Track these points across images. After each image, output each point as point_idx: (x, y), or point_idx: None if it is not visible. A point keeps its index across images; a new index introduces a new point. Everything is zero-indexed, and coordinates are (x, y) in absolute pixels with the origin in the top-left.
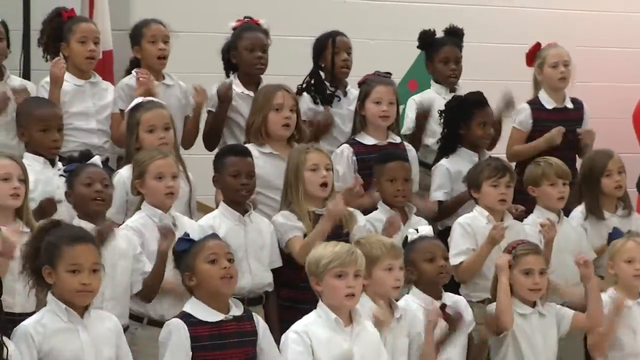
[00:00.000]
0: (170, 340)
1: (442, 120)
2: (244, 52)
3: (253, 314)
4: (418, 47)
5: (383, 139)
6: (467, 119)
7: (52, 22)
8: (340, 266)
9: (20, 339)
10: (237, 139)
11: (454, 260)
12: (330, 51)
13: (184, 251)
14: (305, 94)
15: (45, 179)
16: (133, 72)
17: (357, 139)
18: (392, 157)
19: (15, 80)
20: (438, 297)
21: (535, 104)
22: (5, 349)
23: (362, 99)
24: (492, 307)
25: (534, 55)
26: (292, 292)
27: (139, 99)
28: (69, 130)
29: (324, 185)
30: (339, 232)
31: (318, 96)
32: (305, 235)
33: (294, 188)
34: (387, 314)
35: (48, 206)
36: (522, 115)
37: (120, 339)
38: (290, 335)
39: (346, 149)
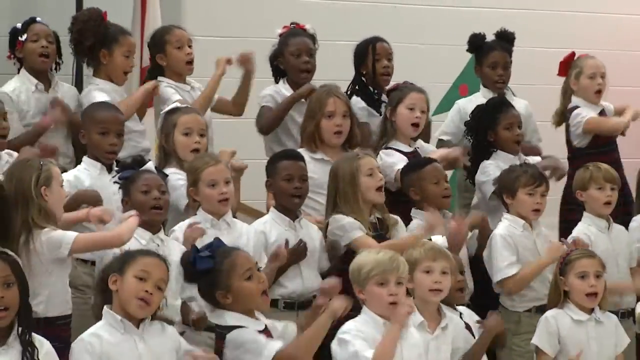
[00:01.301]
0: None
1: (468, 134)
2: (291, 57)
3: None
4: (467, 50)
5: (411, 146)
6: (493, 124)
7: (98, 27)
8: (382, 274)
9: (81, 351)
10: (283, 144)
11: (506, 272)
12: (370, 58)
13: (208, 270)
14: (354, 96)
15: (101, 185)
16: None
17: (391, 145)
18: (429, 161)
19: (63, 87)
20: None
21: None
22: (35, 349)
23: (395, 104)
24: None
25: (568, 64)
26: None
27: (176, 104)
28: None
29: (380, 189)
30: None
31: (365, 101)
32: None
33: (351, 197)
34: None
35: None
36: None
37: (180, 345)
38: (346, 329)
39: (384, 156)
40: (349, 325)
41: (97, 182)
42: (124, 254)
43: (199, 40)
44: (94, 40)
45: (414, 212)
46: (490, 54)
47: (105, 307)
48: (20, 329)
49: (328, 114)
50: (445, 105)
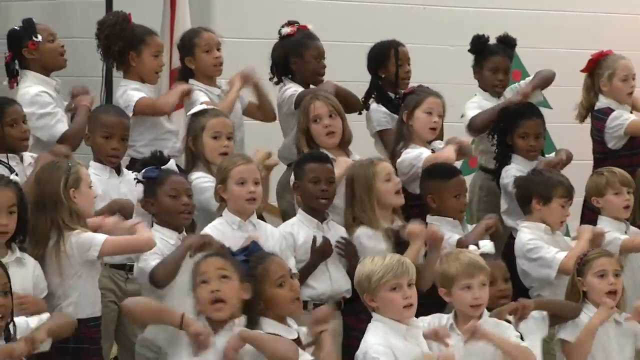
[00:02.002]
0: None
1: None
2: (312, 60)
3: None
4: (469, 51)
5: (427, 149)
6: (511, 130)
7: (124, 30)
8: (394, 278)
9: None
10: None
11: (559, 257)
12: (393, 62)
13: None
14: (375, 103)
15: (111, 188)
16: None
17: (409, 149)
18: (455, 172)
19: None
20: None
21: None
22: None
23: (412, 108)
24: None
25: (597, 62)
26: None
27: (203, 106)
28: (165, 134)
29: (399, 192)
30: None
31: (385, 106)
32: None
33: (367, 204)
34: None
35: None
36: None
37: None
38: (375, 348)
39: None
40: (371, 341)
41: (107, 185)
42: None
43: (228, 42)
44: (122, 43)
45: (429, 218)
46: (492, 58)
47: None
48: None
49: (314, 118)
50: None
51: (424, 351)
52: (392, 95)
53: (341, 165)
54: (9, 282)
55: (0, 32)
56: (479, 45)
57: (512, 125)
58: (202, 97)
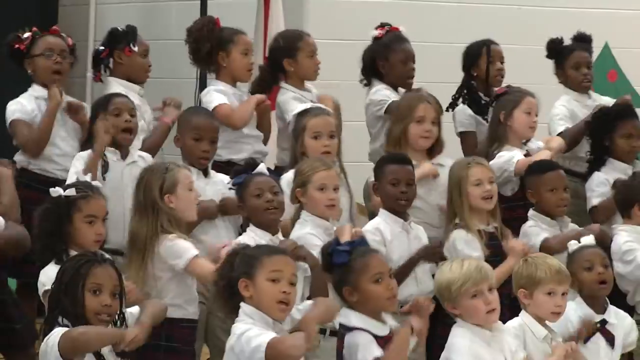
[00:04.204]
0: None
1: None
2: (399, 64)
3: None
4: (547, 56)
5: (522, 149)
6: (610, 130)
7: (212, 32)
8: (474, 286)
9: None
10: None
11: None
12: (485, 60)
13: (342, 264)
14: (461, 104)
15: (198, 189)
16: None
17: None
18: (551, 166)
19: None
20: (602, 310)
21: None
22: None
23: (510, 109)
24: None
25: None
26: None
27: (307, 105)
28: (239, 137)
29: (487, 198)
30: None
31: (472, 107)
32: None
33: (459, 204)
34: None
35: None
36: None
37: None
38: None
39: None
40: (455, 345)
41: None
42: (244, 257)
43: (321, 43)
44: (210, 45)
45: (531, 213)
46: (572, 54)
47: (245, 306)
48: None
49: (418, 118)
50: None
51: (505, 357)
52: (482, 96)
53: (421, 170)
54: (121, 285)
55: (98, 34)
56: (555, 48)
57: (611, 127)
58: (292, 98)
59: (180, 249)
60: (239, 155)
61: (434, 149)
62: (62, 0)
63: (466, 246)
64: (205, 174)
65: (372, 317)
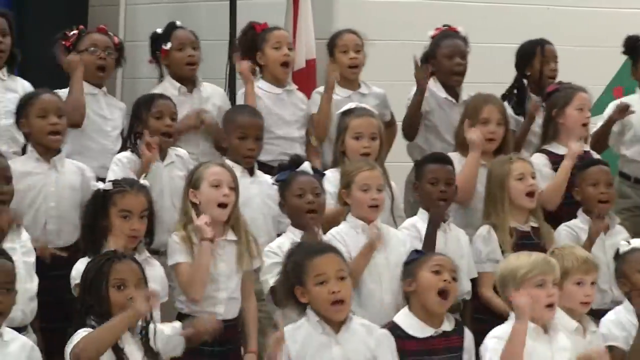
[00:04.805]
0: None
1: None
2: (444, 59)
3: (464, 328)
4: (624, 52)
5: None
6: None
7: (246, 35)
8: (542, 274)
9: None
10: (431, 145)
11: None
12: (539, 59)
13: (413, 260)
14: (505, 103)
15: (242, 189)
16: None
17: (549, 148)
18: (593, 161)
19: (207, 89)
20: None
21: None
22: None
23: (562, 106)
24: None
25: None
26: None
27: (353, 104)
28: (271, 139)
29: (530, 194)
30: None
31: (519, 107)
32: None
33: (499, 200)
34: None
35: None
36: None
37: (380, 349)
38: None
39: (542, 158)
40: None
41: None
42: (293, 266)
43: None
44: (247, 48)
45: (579, 212)
46: None
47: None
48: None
49: (482, 120)
50: (599, 108)
51: (553, 354)
52: (532, 95)
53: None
54: (144, 277)
55: (128, 34)
56: (632, 45)
57: None
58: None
59: (172, 250)
60: (266, 156)
61: (502, 149)
62: (91, 1)
63: (482, 244)
64: (251, 173)
65: (422, 316)
